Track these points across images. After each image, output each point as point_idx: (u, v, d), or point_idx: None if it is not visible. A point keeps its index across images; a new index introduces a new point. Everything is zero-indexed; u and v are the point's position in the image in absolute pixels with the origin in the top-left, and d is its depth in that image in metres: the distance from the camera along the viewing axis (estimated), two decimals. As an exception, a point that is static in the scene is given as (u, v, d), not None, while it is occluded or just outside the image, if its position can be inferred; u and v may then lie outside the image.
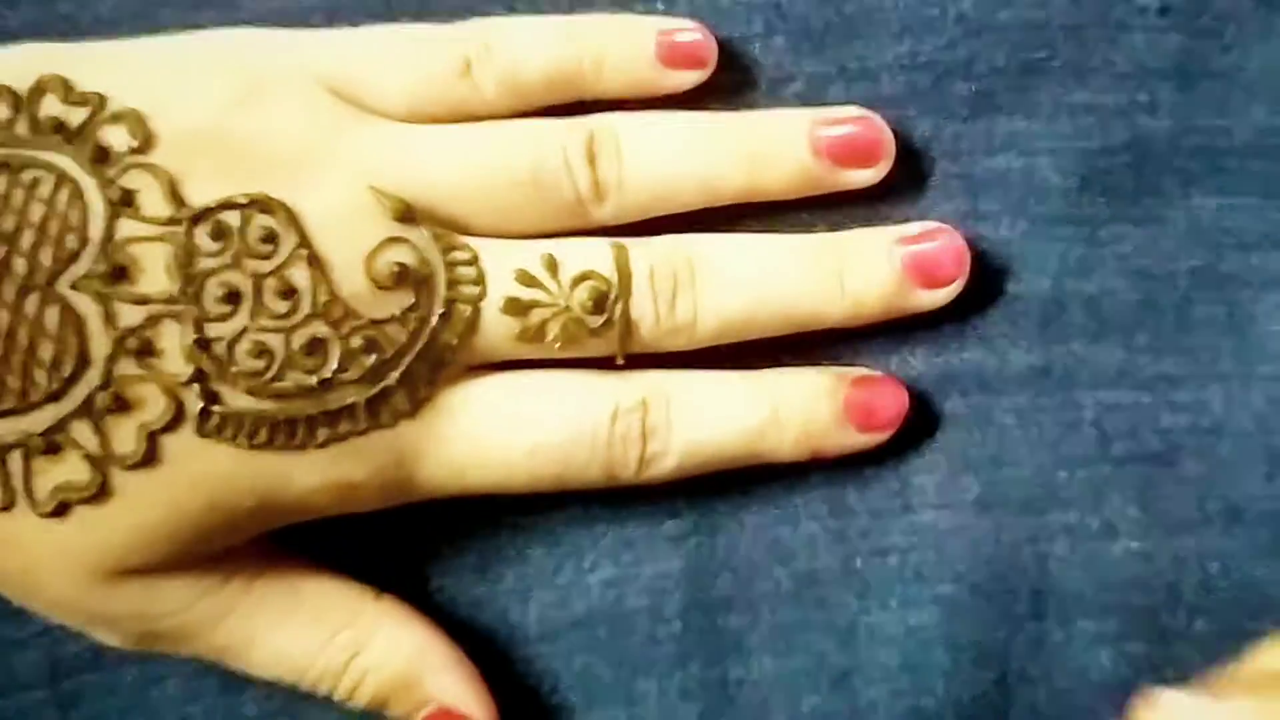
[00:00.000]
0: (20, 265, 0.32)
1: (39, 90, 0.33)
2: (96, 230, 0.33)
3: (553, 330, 0.36)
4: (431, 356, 0.35)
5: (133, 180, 0.33)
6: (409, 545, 0.40)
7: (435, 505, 0.37)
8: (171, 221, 0.33)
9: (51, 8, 0.39)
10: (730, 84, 0.40)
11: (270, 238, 0.33)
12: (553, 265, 0.36)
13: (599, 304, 0.36)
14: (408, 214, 0.35)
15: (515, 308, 0.36)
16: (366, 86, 0.36)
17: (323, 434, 0.34)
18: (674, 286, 0.37)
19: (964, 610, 0.40)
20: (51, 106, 0.33)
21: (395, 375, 0.35)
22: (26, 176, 0.33)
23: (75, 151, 0.33)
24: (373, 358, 0.34)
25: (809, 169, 0.38)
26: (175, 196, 0.33)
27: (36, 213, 0.33)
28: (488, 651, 0.39)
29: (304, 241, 0.34)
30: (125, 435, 0.33)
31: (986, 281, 0.40)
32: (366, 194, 0.35)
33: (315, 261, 0.34)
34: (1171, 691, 0.31)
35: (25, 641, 0.39)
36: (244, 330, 0.33)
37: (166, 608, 0.35)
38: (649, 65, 0.39)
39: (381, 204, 0.35)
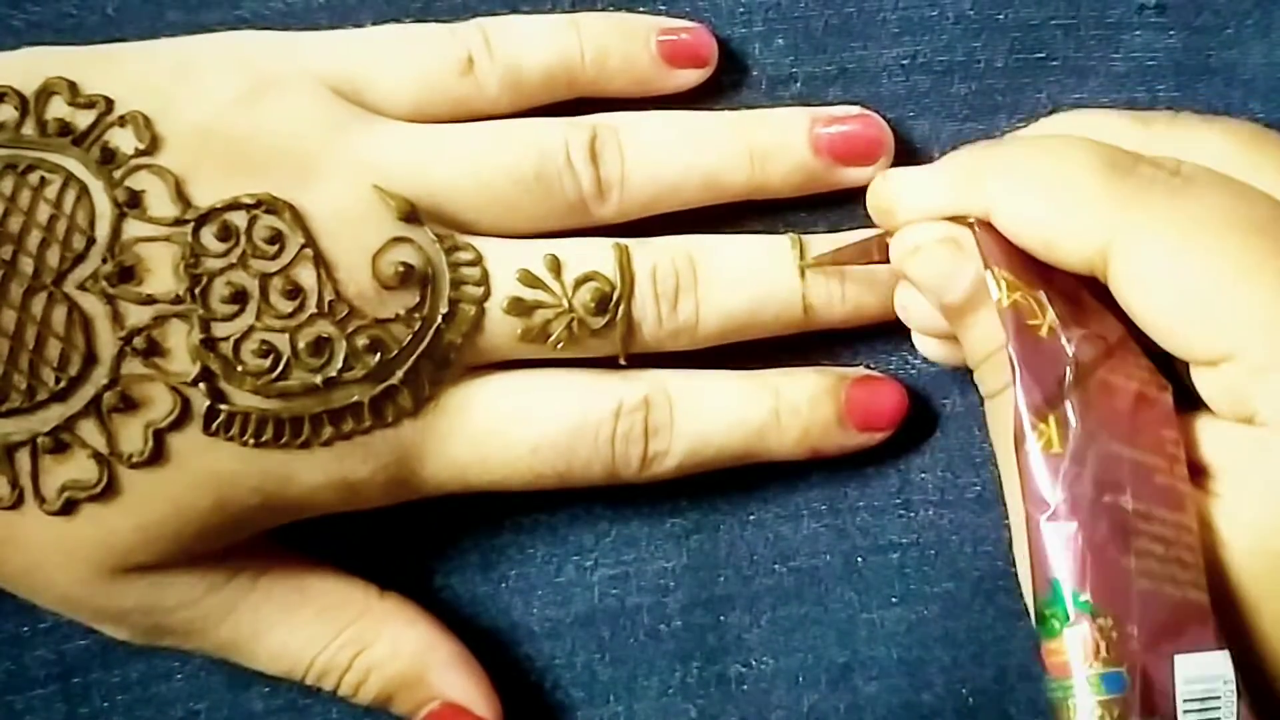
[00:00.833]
0: (27, 265, 0.32)
1: (46, 92, 0.34)
2: (103, 231, 0.33)
3: (555, 330, 0.36)
4: (435, 356, 0.35)
5: (139, 181, 0.33)
6: (412, 543, 0.40)
7: (438, 503, 0.38)
8: (178, 222, 0.33)
9: (57, 7, 0.39)
10: (730, 84, 0.40)
11: (276, 238, 0.34)
12: (556, 266, 0.36)
13: (601, 305, 0.36)
14: (412, 214, 0.35)
15: (518, 308, 0.36)
16: (370, 86, 0.37)
17: (327, 432, 0.35)
18: (676, 287, 0.37)
19: (964, 607, 0.40)
20: (58, 109, 0.34)
21: (399, 374, 0.35)
22: (34, 177, 0.33)
23: (82, 153, 0.33)
24: (377, 357, 0.34)
25: (809, 167, 0.39)
26: (181, 197, 0.33)
27: (44, 213, 0.33)
28: (490, 648, 0.39)
29: (309, 241, 0.34)
30: (132, 434, 0.33)
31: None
32: (371, 194, 0.35)
33: (321, 261, 0.34)
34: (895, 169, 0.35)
35: (33, 637, 0.39)
36: (250, 329, 0.34)
37: (172, 603, 0.35)
38: (650, 64, 0.39)
39: (386, 204, 0.35)
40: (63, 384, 0.32)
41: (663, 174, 0.38)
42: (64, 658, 0.39)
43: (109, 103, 0.34)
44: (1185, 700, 0.29)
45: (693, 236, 0.38)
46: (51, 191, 0.33)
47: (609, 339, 0.37)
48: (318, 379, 0.34)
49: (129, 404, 0.33)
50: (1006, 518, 0.33)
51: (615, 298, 0.36)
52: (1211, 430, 0.32)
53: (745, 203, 0.39)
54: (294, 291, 0.34)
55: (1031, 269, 0.32)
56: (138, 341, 0.33)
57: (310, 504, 0.36)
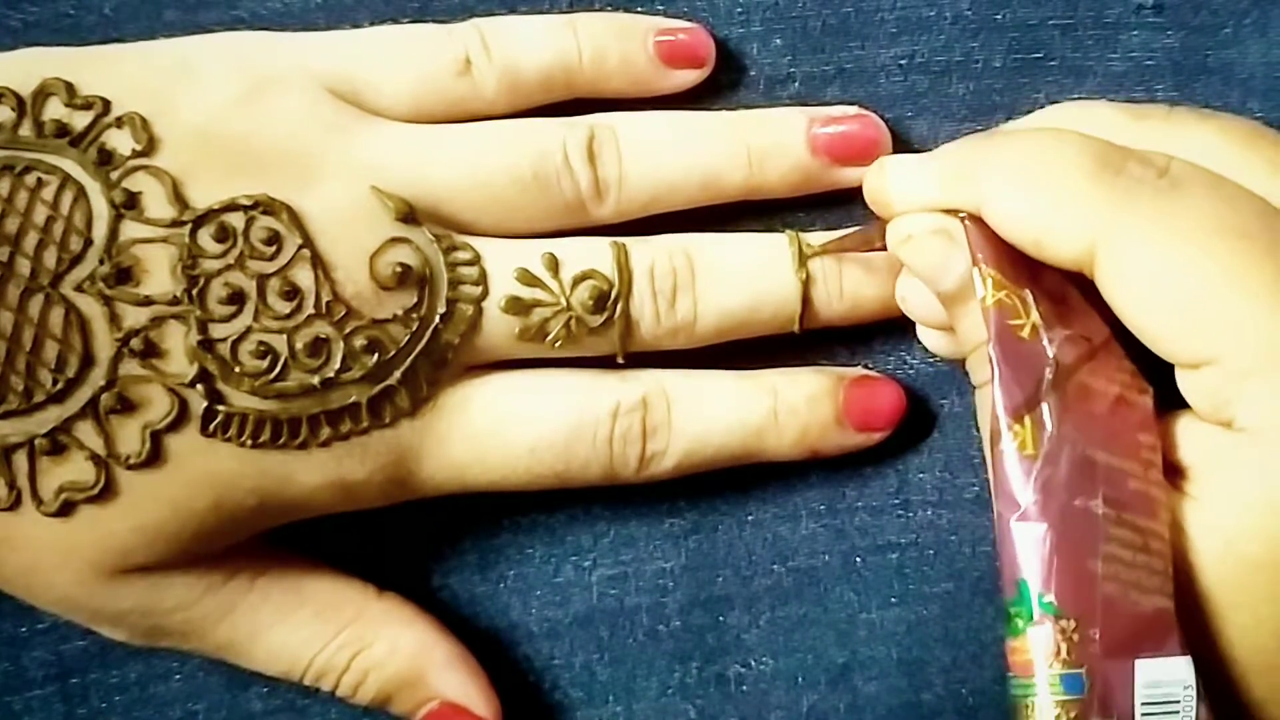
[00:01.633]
0: (24, 267, 0.32)
1: (43, 93, 0.34)
2: (100, 232, 0.33)
3: (554, 329, 0.36)
4: (433, 356, 0.35)
5: (136, 183, 0.33)
6: (410, 543, 0.40)
7: (436, 503, 0.38)
8: (175, 223, 0.33)
9: (54, 7, 0.39)
10: (728, 84, 0.40)
11: (273, 239, 0.34)
12: (554, 265, 0.36)
13: (599, 303, 0.36)
14: (410, 214, 0.35)
15: (516, 307, 0.36)
16: (367, 87, 0.37)
17: (325, 433, 0.35)
18: (674, 286, 0.37)
19: (963, 607, 0.40)
20: (55, 110, 0.34)
21: (397, 374, 0.35)
22: (31, 179, 0.33)
23: (79, 154, 0.33)
24: (375, 357, 0.34)
25: (807, 167, 0.39)
26: (179, 199, 0.33)
27: (41, 215, 0.33)
28: (489, 649, 0.39)
29: (307, 242, 0.34)
30: (129, 435, 0.33)
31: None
32: (369, 195, 0.35)
33: (318, 262, 0.34)
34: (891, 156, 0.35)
35: (31, 638, 0.39)
36: (247, 330, 0.33)
37: (170, 604, 0.35)
38: (648, 64, 0.39)
39: (384, 204, 0.35)
40: (60, 386, 0.32)
41: (661, 174, 0.38)
42: (62, 658, 0.39)
43: (106, 104, 0.34)
44: (1144, 704, 0.29)
45: (691, 235, 0.38)
46: (49, 193, 0.33)
47: (607, 337, 0.37)
48: (315, 380, 0.34)
49: (126, 405, 0.33)
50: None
51: (613, 296, 0.36)
52: (1191, 431, 0.32)
53: (743, 202, 0.39)
54: (291, 292, 0.34)
55: (1020, 265, 0.32)
56: (135, 343, 0.33)
57: (308, 505, 0.36)
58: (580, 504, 0.40)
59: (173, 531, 0.34)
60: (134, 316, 0.33)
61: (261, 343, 0.34)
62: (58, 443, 0.33)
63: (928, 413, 0.41)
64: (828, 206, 0.40)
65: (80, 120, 0.34)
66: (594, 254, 0.37)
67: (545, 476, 0.37)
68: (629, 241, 0.37)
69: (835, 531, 0.40)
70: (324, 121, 0.35)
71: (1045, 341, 0.31)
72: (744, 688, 0.40)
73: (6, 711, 0.39)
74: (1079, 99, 0.40)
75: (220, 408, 0.33)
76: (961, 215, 0.33)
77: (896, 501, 0.40)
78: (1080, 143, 0.32)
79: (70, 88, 0.34)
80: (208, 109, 0.34)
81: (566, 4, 0.40)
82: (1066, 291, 0.33)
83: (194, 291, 0.33)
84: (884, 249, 0.35)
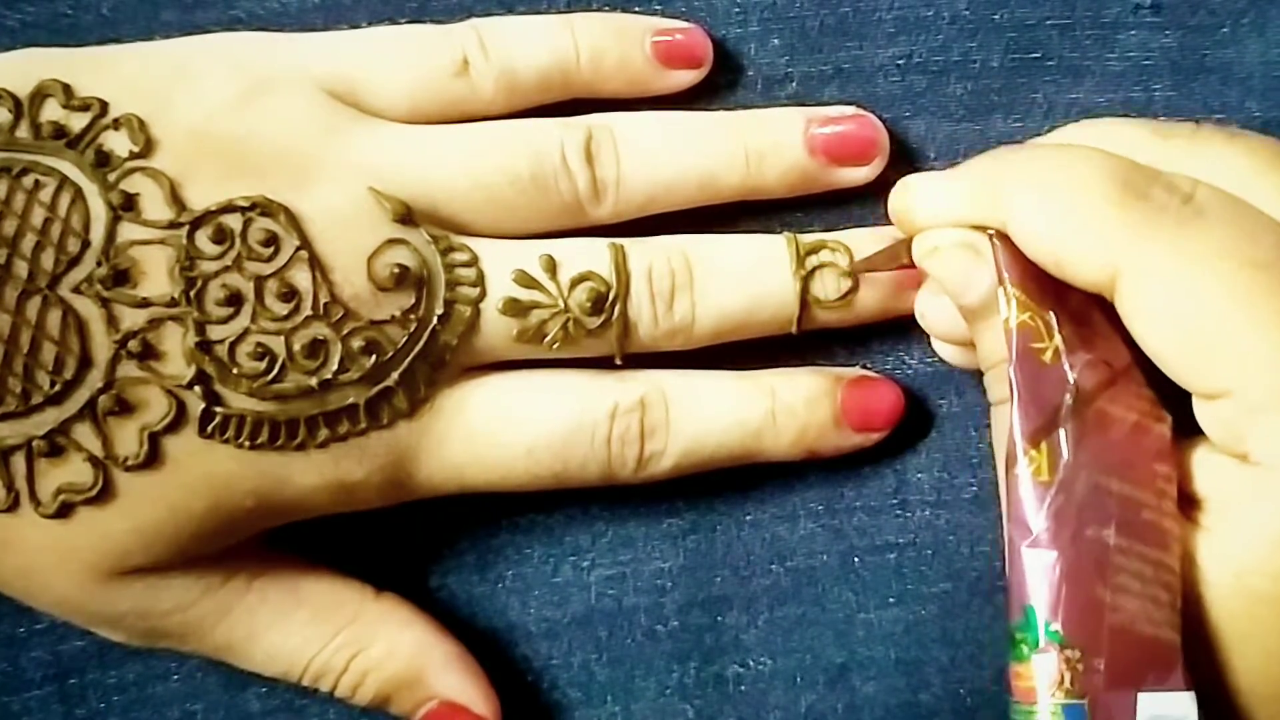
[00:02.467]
0: (22, 269, 0.32)
1: (40, 95, 0.34)
2: (98, 234, 0.33)
3: (551, 331, 0.36)
4: (431, 357, 0.35)
5: (134, 184, 0.33)
6: (409, 543, 0.40)
7: (434, 503, 0.38)
8: (173, 225, 0.33)
9: (52, 7, 0.39)
10: (726, 84, 0.40)
11: (271, 240, 0.34)
12: (551, 266, 0.36)
13: (597, 305, 0.36)
14: (407, 215, 0.35)
15: (514, 309, 0.36)
16: (365, 88, 0.37)
17: (323, 434, 0.35)
18: (672, 287, 0.37)
19: (961, 607, 0.40)
20: (52, 111, 0.34)
21: (395, 376, 0.35)
22: (28, 181, 0.33)
23: (77, 156, 0.33)
24: (373, 358, 0.34)
25: (804, 167, 0.39)
26: (176, 200, 0.33)
27: (38, 217, 0.33)
28: (487, 649, 0.39)
29: (304, 244, 0.34)
30: (127, 437, 0.33)
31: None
32: (366, 196, 0.35)
33: (316, 263, 0.34)
34: (915, 175, 0.35)
35: (30, 638, 0.39)
36: (245, 332, 0.33)
37: (168, 606, 0.35)
38: (645, 64, 0.39)
39: (381, 205, 0.35)
40: (58, 387, 0.32)
41: (658, 174, 0.38)
42: (60, 659, 0.39)
43: (103, 105, 0.34)
44: None
45: (688, 236, 0.38)
46: (46, 194, 0.33)
47: (605, 339, 0.37)
48: (313, 381, 0.34)
49: (124, 407, 0.33)
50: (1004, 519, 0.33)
51: (611, 298, 0.36)
52: (1207, 462, 0.31)
53: (740, 203, 0.39)
54: (289, 294, 0.34)
55: (1046, 285, 0.32)
56: (133, 345, 0.33)
57: (306, 506, 0.36)
58: (578, 504, 0.40)
59: (171, 533, 0.34)
60: (132, 318, 0.33)
61: (259, 344, 0.34)
62: (55, 445, 0.33)
63: (926, 413, 0.41)
64: (826, 206, 0.40)
65: (78, 122, 0.34)
66: (592, 256, 0.37)
67: (543, 477, 0.37)
68: (627, 243, 0.37)
69: (833, 532, 0.40)
70: (321, 122, 0.35)
71: (1066, 366, 0.31)
72: (742, 688, 0.40)
73: (5, 712, 0.39)
74: (1077, 99, 0.40)
75: (218, 409, 0.33)
76: (990, 232, 0.33)
77: (894, 502, 0.40)
78: (1106, 164, 0.32)
79: (68, 89, 0.34)
80: (205, 110, 0.34)
81: (564, 4, 0.40)
82: (1090, 314, 0.33)
83: (192, 293, 0.33)
84: (911, 266, 0.35)
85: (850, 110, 0.39)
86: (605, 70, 0.38)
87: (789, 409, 0.38)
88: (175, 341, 0.33)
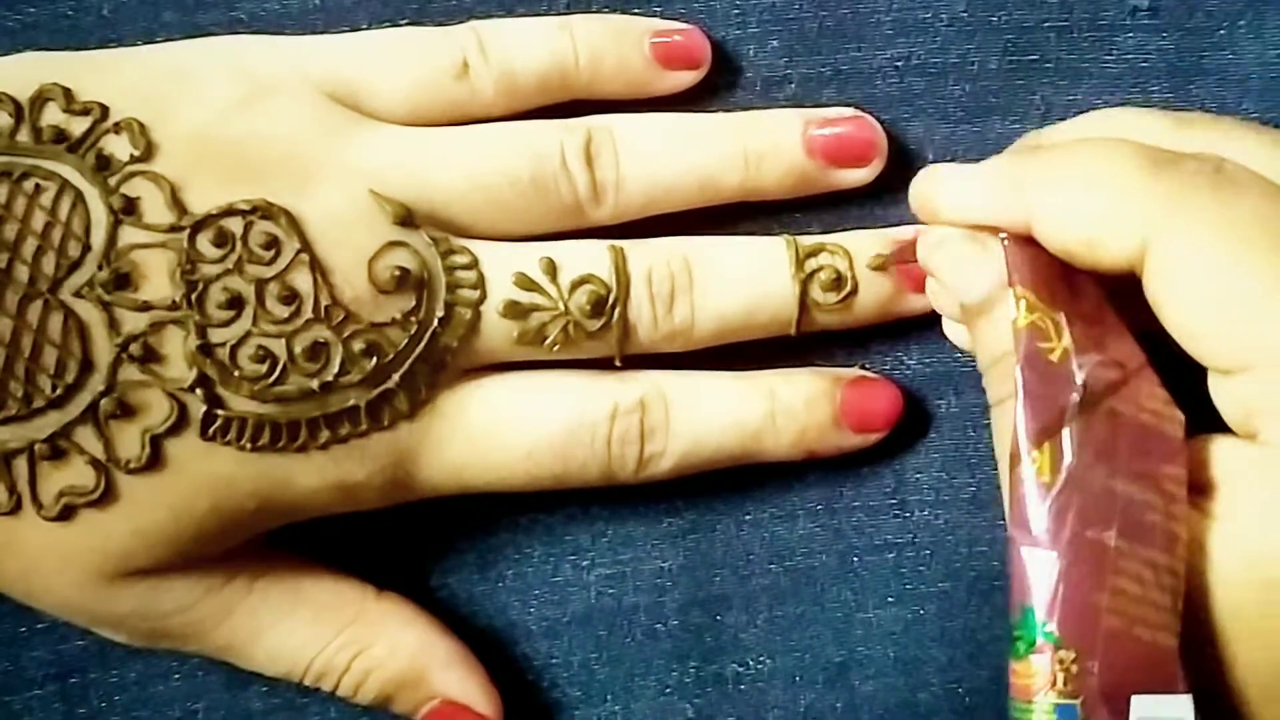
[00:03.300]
0: (23, 273, 0.33)
1: (41, 99, 0.34)
2: (99, 238, 0.33)
3: (551, 333, 0.36)
4: (431, 359, 0.35)
5: (135, 188, 0.33)
6: (409, 543, 0.40)
7: (435, 503, 0.38)
8: (174, 229, 0.33)
9: (53, 8, 0.39)
10: (725, 85, 0.40)
11: (272, 243, 0.34)
12: (551, 269, 0.36)
13: (597, 308, 0.36)
14: (407, 218, 0.35)
15: (514, 311, 0.36)
16: (365, 90, 0.37)
17: (324, 436, 0.35)
18: (671, 290, 0.37)
19: (960, 607, 0.40)
20: (53, 115, 0.34)
21: (396, 378, 0.35)
22: (29, 185, 0.33)
23: (77, 160, 0.33)
24: (373, 361, 0.35)
25: (803, 168, 0.39)
26: (177, 204, 0.33)
27: (39, 221, 0.33)
28: (487, 648, 0.40)
29: (305, 247, 0.34)
30: (129, 440, 0.33)
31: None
32: (367, 198, 0.35)
33: (317, 266, 0.34)
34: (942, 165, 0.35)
35: (31, 638, 0.39)
36: (246, 335, 0.34)
37: (170, 607, 0.35)
38: (644, 66, 0.39)
39: (382, 208, 0.35)
40: (60, 391, 0.33)
41: (658, 176, 0.38)
42: (62, 658, 0.39)
43: (104, 109, 0.34)
44: None
45: (688, 239, 0.38)
46: (47, 199, 0.33)
47: (605, 341, 0.37)
48: (314, 384, 0.34)
49: (126, 410, 0.33)
50: (1002, 518, 0.33)
51: (611, 301, 0.36)
52: (1217, 448, 0.31)
53: (739, 204, 0.39)
54: (290, 297, 0.34)
55: (1057, 286, 0.32)
56: (134, 348, 0.33)
57: (307, 506, 0.36)
58: (578, 504, 0.40)
59: (172, 535, 0.34)
60: (133, 322, 0.33)
61: (260, 347, 0.34)
62: (57, 448, 0.33)
63: (924, 413, 0.41)
64: (824, 208, 0.40)
65: (78, 126, 0.34)
66: (592, 258, 0.37)
67: (543, 478, 0.37)
68: (627, 245, 0.37)
69: (832, 531, 0.41)
70: (321, 125, 0.35)
71: (1075, 366, 0.31)
72: (741, 687, 0.40)
73: (6, 711, 0.39)
74: (1075, 100, 0.40)
75: (219, 412, 0.33)
76: (1001, 236, 0.33)
77: (893, 501, 0.41)
78: (1132, 144, 0.32)
79: (68, 93, 0.34)
80: (205, 114, 0.34)
81: (563, 6, 0.40)
82: (1103, 314, 0.32)
83: (193, 296, 0.33)
84: None
85: (849, 112, 0.39)
86: (604, 72, 0.38)
87: (788, 410, 0.38)
88: (176, 344, 0.33)
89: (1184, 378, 0.31)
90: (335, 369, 0.34)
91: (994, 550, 0.40)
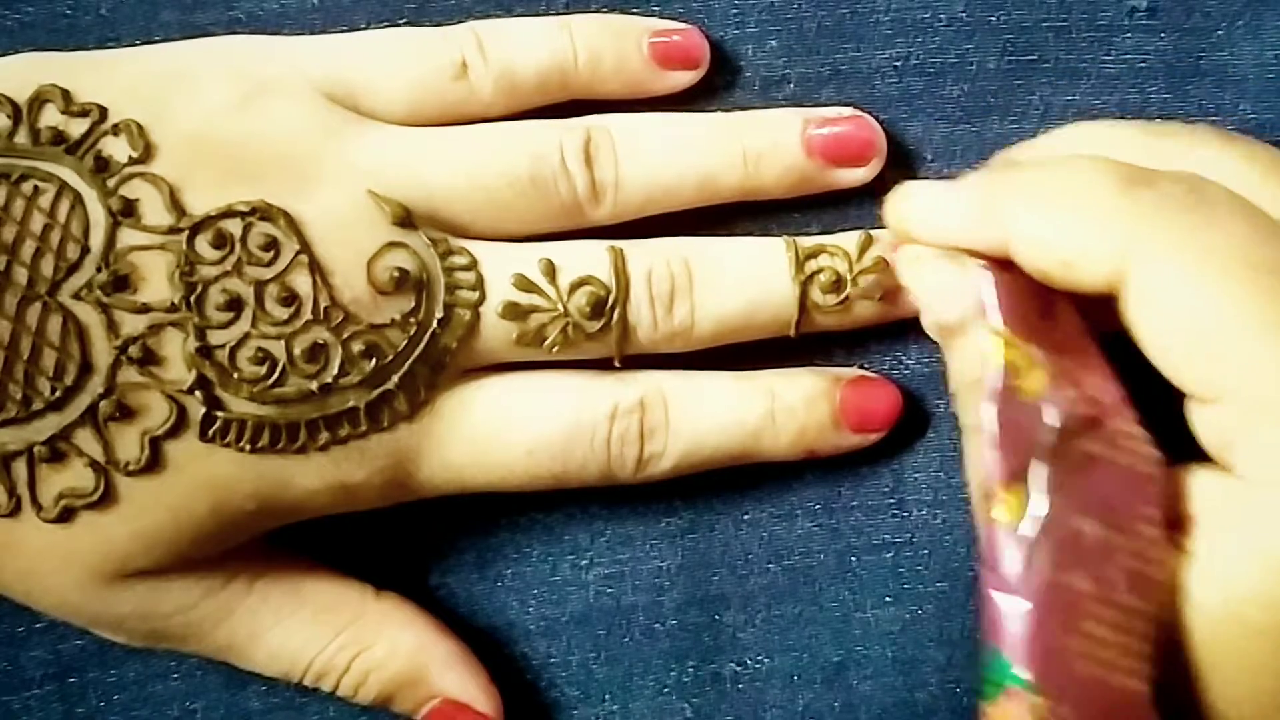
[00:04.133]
0: (22, 275, 0.32)
1: (39, 100, 0.34)
2: (98, 240, 0.33)
3: (551, 334, 0.36)
4: (431, 360, 0.35)
5: (133, 190, 0.33)
6: (409, 543, 0.40)
7: (434, 503, 0.38)
8: (172, 230, 0.33)
9: (51, 8, 0.39)
10: (724, 85, 0.40)
11: (271, 245, 0.34)
12: (551, 270, 0.36)
13: (597, 309, 0.36)
14: (407, 218, 0.35)
15: (514, 312, 0.36)
16: (363, 90, 0.37)
17: (323, 437, 0.35)
18: (671, 291, 0.37)
19: (958, 607, 0.40)
20: (51, 117, 0.34)
21: (395, 379, 0.35)
22: (27, 187, 0.33)
23: (76, 162, 0.33)
24: (373, 362, 0.35)
25: (802, 168, 0.39)
26: (176, 205, 0.33)
27: (38, 223, 0.33)
28: (486, 647, 0.40)
29: (304, 248, 0.34)
30: (128, 442, 0.33)
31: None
32: (366, 199, 0.35)
33: (316, 267, 0.34)
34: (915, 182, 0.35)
35: (30, 637, 0.39)
36: (246, 336, 0.34)
37: (170, 608, 0.35)
38: (643, 66, 0.39)
39: (381, 209, 0.35)
40: (59, 393, 0.33)
41: (657, 176, 0.38)
42: (60, 657, 0.39)
43: (102, 111, 0.34)
44: None
45: (687, 239, 0.38)
46: (45, 201, 0.33)
47: (604, 342, 0.37)
48: (314, 385, 0.34)
49: (125, 412, 0.33)
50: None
51: (610, 302, 0.36)
52: (1195, 482, 0.31)
53: (738, 204, 0.39)
54: (289, 298, 0.34)
55: (1033, 318, 0.32)
56: (133, 350, 0.33)
57: (307, 508, 0.36)
58: (577, 503, 0.40)
59: (172, 536, 0.34)
60: (132, 324, 0.33)
61: (260, 349, 0.34)
62: (57, 450, 0.33)
63: (923, 413, 0.41)
64: (823, 207, 0.40)
65: (77, 127, 0.34)
66: (591, 259, 0.37)
67: (543, 478, 0.37)
68: (626, 246, 0.37)
69: (831, 531, 0.41)
70: (320, 126, 0.35)
71: (1049, 404, 0.31)
72: (740, 686, 0.40)
73: (5, 711, 0.39)
74: (1073, 101, 0.40)
75: (219, 413, 0.33)
76: (982, 264, 0.32)
77: (892, 501, 0.41)
78: (1108, 162, 0.32)
79: (67, 94, 0.34)
80: (204, 115, 0.34)
81: (562, 5, 0.40)
82: (1082, 342, 0.32)
83: (192, 298, 0.33)
84: None
85: (848, 111, 0.39)
86: (603, 71, 0.38)
87: (788, 409, 0.38)
88: (176, 346, 0.33)
89: (1164, 398, 0.31)
90: (334, 370, 0.34)
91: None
